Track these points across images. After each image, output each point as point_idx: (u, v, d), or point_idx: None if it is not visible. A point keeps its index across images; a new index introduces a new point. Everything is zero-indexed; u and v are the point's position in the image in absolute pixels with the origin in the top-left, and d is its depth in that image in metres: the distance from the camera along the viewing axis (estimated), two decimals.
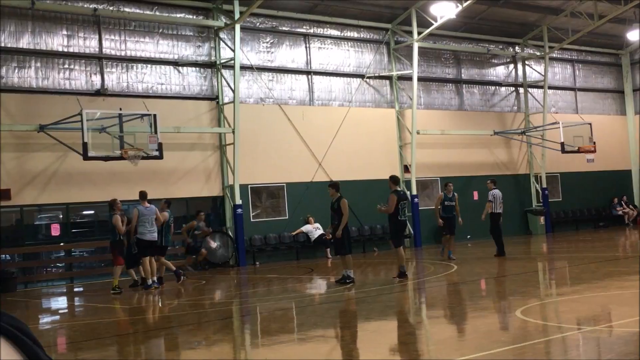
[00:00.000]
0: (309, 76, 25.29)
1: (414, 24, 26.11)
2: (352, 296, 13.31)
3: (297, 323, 10.96)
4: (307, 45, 25.33)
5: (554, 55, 31.70)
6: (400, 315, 11.05)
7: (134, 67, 21.77)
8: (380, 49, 27.07)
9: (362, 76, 26.44)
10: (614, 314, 9.68)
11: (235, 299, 14.92)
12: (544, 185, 30.34)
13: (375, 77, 26.80)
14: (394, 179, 15.47)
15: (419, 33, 26.15)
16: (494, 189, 19.31)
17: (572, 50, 32.81)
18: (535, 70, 31.23)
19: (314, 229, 23.59)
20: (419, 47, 26.59)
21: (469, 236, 26.63)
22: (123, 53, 21.55)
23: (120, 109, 18.99)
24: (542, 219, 29.83)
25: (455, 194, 19.47)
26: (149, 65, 22.05)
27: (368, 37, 26.87)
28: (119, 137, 18.38)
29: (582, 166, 30.23)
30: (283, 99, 24.49)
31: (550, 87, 31.46)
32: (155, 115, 18.69)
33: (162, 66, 22.29)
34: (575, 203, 31.80)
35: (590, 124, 27.79)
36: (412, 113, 26.44)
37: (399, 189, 15.31)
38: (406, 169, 26.85)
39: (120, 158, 18.15)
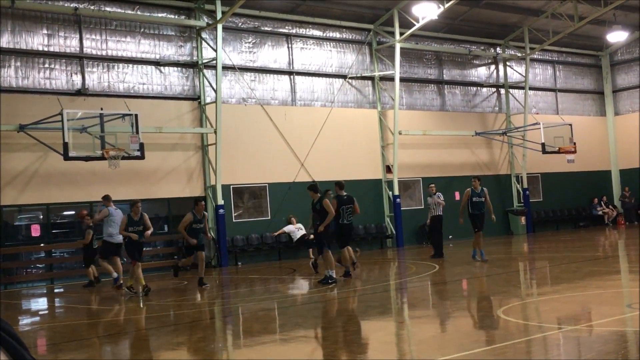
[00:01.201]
0: (291, 76, 25.28)
1: (396, 24, 26.19)
2: (334, 296, 13.32)
3: (279, 323, 10.95)
4: (290, 46, 25.31)
5: (535, 57, 31.93)
6: (382, 315, 11.06)
7: (115, 67, 21.65)
8: (363, 49, 27.12)
9: (344, 77, 26.48)
10: (594, 313, 9.76)
11: (217, 300, 14.87)
12: (525, 186, 30.55)
13: (357, 78, 26.85)
14: (338, 184, 15.78)
15: (401, 34, 26.23)
16: (437, 192, 19.98)
17: (553, 52, 33.05)
18: (516, 71, 31.44)
19: (296, 229, 23.57)
20: (401, 48, 26.68)
21: (450, 237, 26.75)
22: (104, 53, 21.42)
23: (102, 109, 18.87)
24: (523, 219, 30.03)
25: (485, 189, 18.32)
26: (131, 65, 21.94)
27: (350, 37, 26.90)
28: (100, 137, 18.27)
29: (562, 167, 30.46)
30: (265, 99, 24.47)
31: (531, 88, 31.68)
32: (136, 115, 18.59)
33: (144, 66, 22.18)
34: (555, 203, 32.05)
35: (570, 124, 28.01)
36: (394, 113, 26.50)
37: (343, 193, 15.51)
38: (388, 169, 26.93)
39: (102, 158, 18.04)
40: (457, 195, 28.37)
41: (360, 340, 8.89)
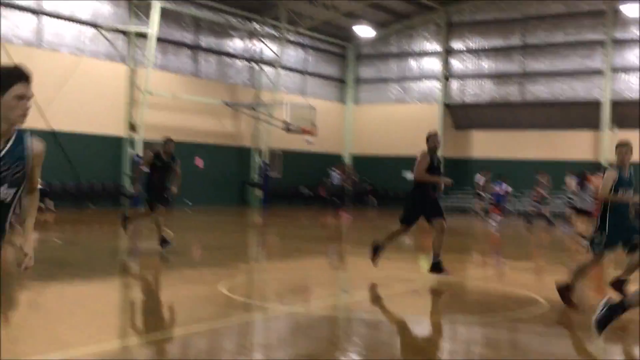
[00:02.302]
0: (39, 16, 23.72)
1: None
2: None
3: None
4: None
5: (289, 38, 33.09)
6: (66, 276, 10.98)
7: None
8: (120, 2, 26.20)
9: (98, 26, 25.42)
10: (310, 292, 10.57)
11: None
12: (266, 160, 31.71)
13: (111, 30, 25.91)
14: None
15: None
16: None
17: (306, 36, 34.45)
18: (271, 49, 32.36)
19: None
20: (160, 7, 26.20)
21: (190, 203, 26.99)
22: None
23: None
24: (259, 191, 31.17)
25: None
26: None
27: None
28: None
29: (302, 146, 32.00)
30: (7, 36, 22.71)
31: (282, 67, 32.81)
32: None
33: None
34: (292, 180, 33.64)
35: (314, 109, 29.53)
36: (146, 73, 26.03)
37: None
38: (132, 127, 26.42)
39: None
40: (198, 161, 28.71)
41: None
